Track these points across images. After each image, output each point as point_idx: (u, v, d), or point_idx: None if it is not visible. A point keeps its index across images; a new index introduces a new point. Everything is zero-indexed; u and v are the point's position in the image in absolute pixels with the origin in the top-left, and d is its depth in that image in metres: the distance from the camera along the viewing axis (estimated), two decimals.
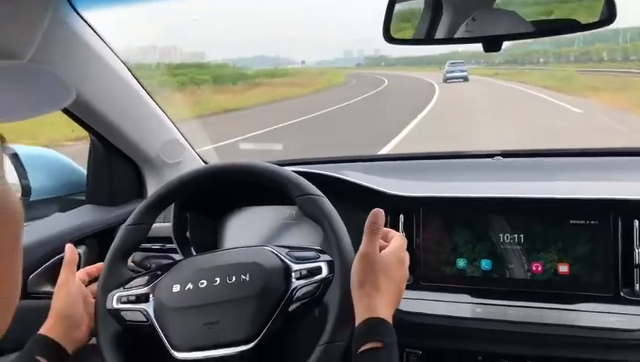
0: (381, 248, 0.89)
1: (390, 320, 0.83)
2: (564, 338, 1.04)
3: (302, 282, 0.91)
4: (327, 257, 0.93)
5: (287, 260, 0.94)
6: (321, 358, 0.85)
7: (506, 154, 1.51)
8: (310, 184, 0.97)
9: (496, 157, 1.50)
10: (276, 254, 0.95)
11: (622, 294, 1.01)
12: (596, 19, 0.81)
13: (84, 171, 1.53)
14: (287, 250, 0.96)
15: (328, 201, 0.95)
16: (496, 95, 17.23)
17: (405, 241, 0.94)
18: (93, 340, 1.00)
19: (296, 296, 0.91)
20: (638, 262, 1.00)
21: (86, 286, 1.03)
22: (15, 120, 0.43)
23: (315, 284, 0.90)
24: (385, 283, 0.85)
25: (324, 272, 0.91)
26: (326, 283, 0.90)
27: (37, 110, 0.45)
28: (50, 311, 0.96)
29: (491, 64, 34.41)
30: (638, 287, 1.01)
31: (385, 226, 1.13)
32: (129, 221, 1.04)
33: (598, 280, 1.03)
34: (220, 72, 25.83)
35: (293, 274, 0.92)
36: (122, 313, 0.97)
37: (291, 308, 0.91)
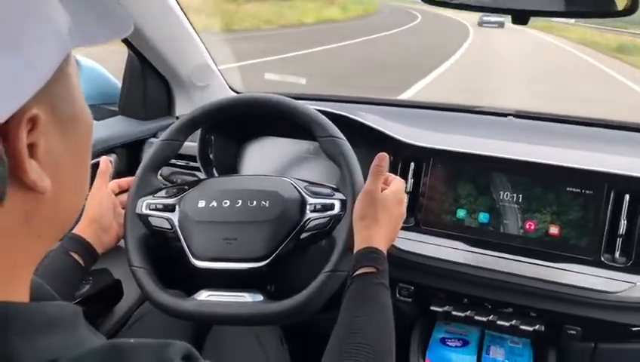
0: (382, 189, 0.97)
1: (385, 252, 0.91)
2: (545, 291, 1.14)
3: (315, 215, 0.99)
4: (341, 196, 1.00)
5: (304, 193, 1.02)
6: (323, 284, 0.94)
7: (519, 115, 1.57)
8: (334, 126, 1.03)
9: (509, 117, 1.56)
10: (295, 186, 1.04)
11: (602, 259, 1.09)
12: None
13: (118, 83, 1.61)
14: (306, 184, 1.04)
15: (349, 144, 1.02)
16: None
17: (404, 185, 1.02)
18: (120, 243, 1.11)
19: (308, 227, 0.99)
20: (622, 232, 1.08)
21: (115, 195, 1.11)
22: (80, 46, 0.50)
23: (326, 219, 0.99)
24: (383, 218, 0.93)
25: (337, 209, 0.99)
26: (337, 219, 0.98)
27: (96, 39, 0.52)
28: (83, 214, 1.04)
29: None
30: (618, 255, 1.09)
31: (395, 171, 1.22)
32: (163, 136, 1.12)
33: (584, 244, 1.11)
34: None
35: (308, 207, 1.00)
36: (149, 218, 1.06)
37: (302, 236, 1.00)
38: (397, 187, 0.99)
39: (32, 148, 0.44)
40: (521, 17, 0.84)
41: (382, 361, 0.78)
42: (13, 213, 0.43)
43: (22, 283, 0.48)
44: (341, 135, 1.03)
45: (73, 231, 1.01)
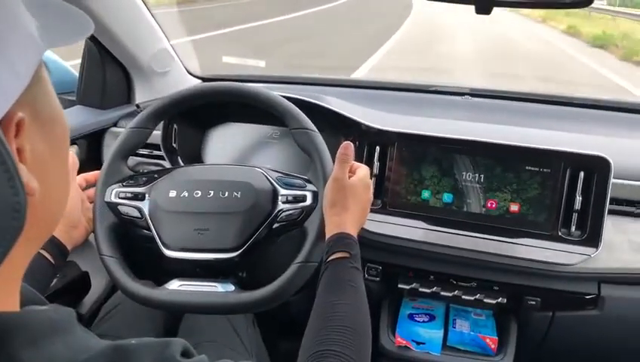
0: (349, 177, 0.99)
1: (356, 236, 0.94)
2: (506, 266, 1.20)
3: (287, 206, 1.01)
4: (313, 188, 1.02)
5: (276, 184, 1.03)
6: (294, 274, 0.96)
7: (474, 94, 1.62)
8: (307, 118, 1.04)
9: (465, 96, 1.61)
10: (267, 177, 1.04)
11: (559, 234, 1.15)
12: None
13: (74, 72, 1.57)
14: (278, 175, 1.05)
15: (321, 137, 1.04)
16: None
17: (369, 170, 1.05)
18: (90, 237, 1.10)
19: (280, 218, 1.01)
20: (577, 207, 1.14)
21: (83, 190, 1.10)
22: (50, 48, 0.50)
23: (298, 210, 1.01)
24: (353, 204, 0.96)
25: (309, 201, 1.00)
26: (308, 210, 1.00)
27: (63, 41, 0.52)
28: None
29: None
30: (573, 229, 1.15)
31: (362, 155, 1.25)
32: (133, 124, 1.10)
33: (542, 220, 1.17)
34: None
35: (280, 198, 1.02)
36: (119, 207, 1.05)
37: (274, 226, 1.01)
38: (363, 173, 1.02)
39: (19, 152, 0.44)
40: (484, 7, 0.86)
41: (361, 342, 0.81)
42: None
43: (15, 290, 0.49)
44: (314, 127, 1.04)
45: None
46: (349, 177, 0.99)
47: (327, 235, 0.95)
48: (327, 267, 0.91)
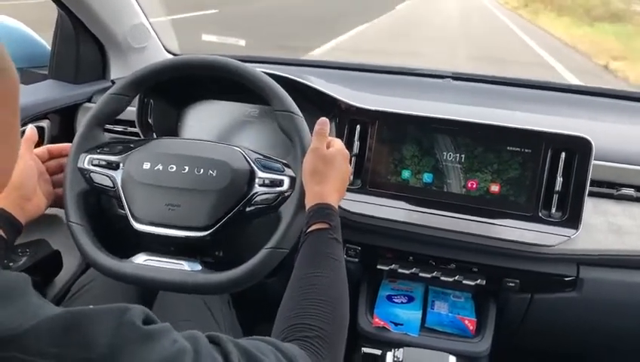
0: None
1: (336, 207, 0.92)
2: (486, 247, 1.19)
3: (263, 189, 0.98)
4: (291, 173, 0.99)
5: (254, 166, 1.00)
6: (263, 260, 0.93)
7: (456, 77, 1.60)
8: (291, 100, 1.01)
9: (446, 79, 1.60)
10: (246, 158, 1.01)
11: (540, 215, 1.15)
12: None
13: (46, 45, 1.52)
14: (257, 156, 1.02)
15: (305, 122, 1.00)
16: None
17: (343, 144, 1.02)
18: (59, 212, 1.06)
19: (255, 200, 0.98)
20: (558, 188, 1.13)
21: (44, 162, 1.05)
22: None
23: (274, 194, 0.97)
24: (333, 173, 0.94)
25: (285, 186, 0.97)
26: (284, 196, 0.97)
27: None
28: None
29: None
30: (554, 210, 1.14)
31: (342, 134, 1.23)
32: (113, 90, 1.06)
33: (522, 201, 1.16)
34: None
35: (256, 180, 0.98)
36: (91, 174, 1.02)
37: (248, 209, 0.98)
38: (340, 145, 1.00)
39: None
40: None
41: (337, 315, 0.79)
42: None
43: None
44: (298, 111, 1.00)
45: None
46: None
47: (308, 205, 0.92)
48: (306, 238, 0.88)
